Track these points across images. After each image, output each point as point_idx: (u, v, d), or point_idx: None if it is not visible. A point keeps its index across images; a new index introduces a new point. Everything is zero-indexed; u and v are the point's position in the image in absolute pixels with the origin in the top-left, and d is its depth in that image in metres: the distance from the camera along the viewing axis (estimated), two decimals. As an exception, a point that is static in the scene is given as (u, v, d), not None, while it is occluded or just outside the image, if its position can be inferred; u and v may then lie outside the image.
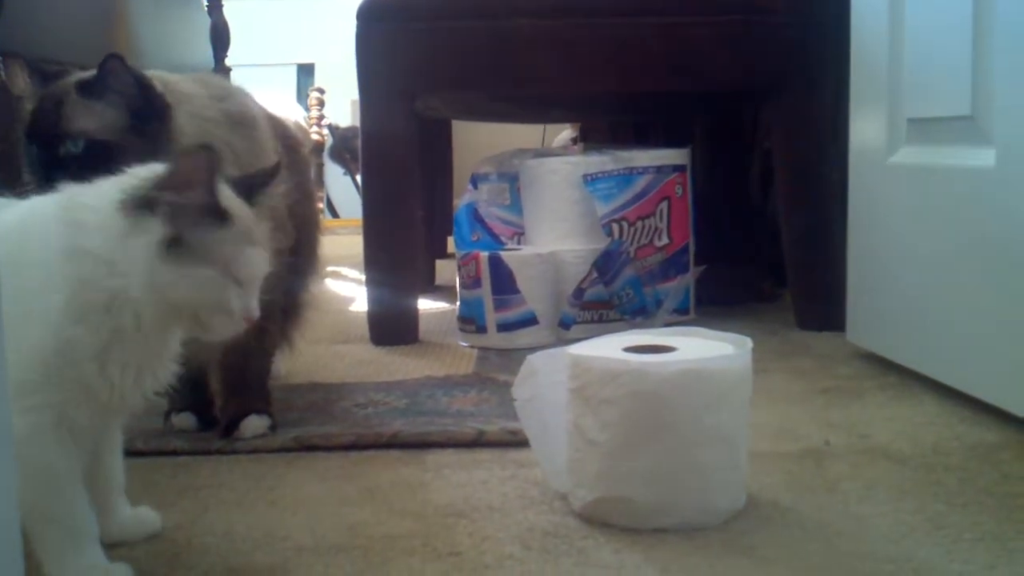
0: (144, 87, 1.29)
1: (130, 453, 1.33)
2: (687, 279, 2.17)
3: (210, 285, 0.89)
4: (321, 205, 4.91)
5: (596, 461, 1.06)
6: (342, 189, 5.42)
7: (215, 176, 0.90)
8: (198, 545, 1.05)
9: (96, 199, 0.90)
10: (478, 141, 3.41)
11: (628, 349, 1.11)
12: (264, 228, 0.97)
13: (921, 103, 1.60)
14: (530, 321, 2.01)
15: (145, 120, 1.29)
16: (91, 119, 1.29)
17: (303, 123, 4.70)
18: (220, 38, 3.13)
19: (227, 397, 1.44)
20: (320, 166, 4.72)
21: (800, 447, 1.33)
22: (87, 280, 0.87)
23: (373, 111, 2.09)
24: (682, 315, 2.16)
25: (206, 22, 3.11)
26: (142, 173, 0.91)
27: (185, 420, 1.43)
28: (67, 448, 0.89)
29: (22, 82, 2.31)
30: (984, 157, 1.41)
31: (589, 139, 3.19)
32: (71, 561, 0.90)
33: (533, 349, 1.20)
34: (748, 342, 1.11)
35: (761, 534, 1.04)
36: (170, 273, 0.87)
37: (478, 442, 1.36)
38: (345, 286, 2.97)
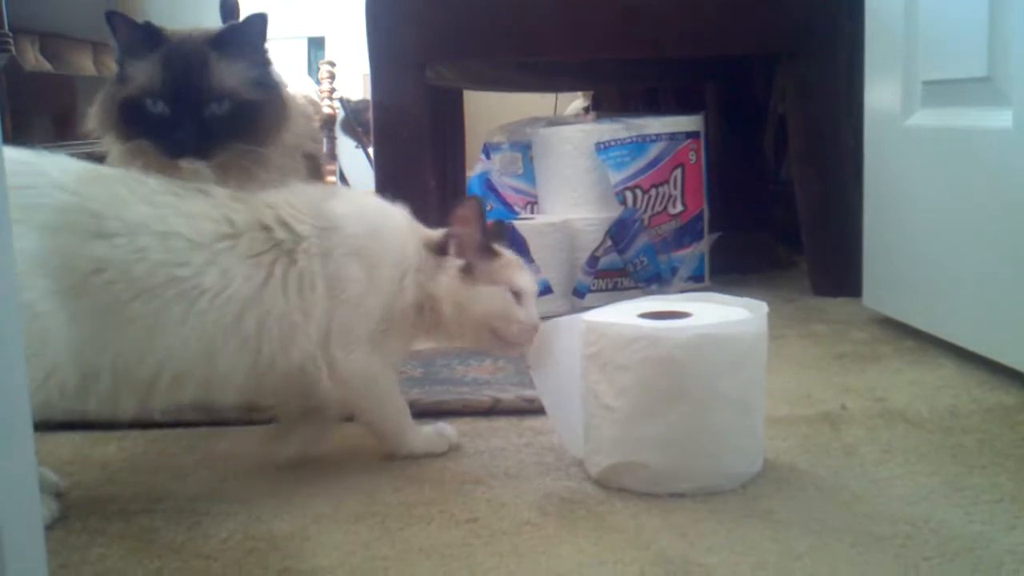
0: (265, 50, 1.37)
1: (148, 425, 1.34)
2: (702, 246, 2.17)
3: (498, 298, 1.18)
4: (333, 179, 4.90)
5: (612, 427, 1.06)
6: (354, 162, 5.41)
7: (483, 217, 1.21)
8: (218, 513, 1.05)
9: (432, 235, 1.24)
10: (490, 111, 3.39)
11: (643, 315, 1.11)
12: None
13: (937, 65, 1.58)
14: (544, 290, 2.01)
15: (265, 83, 1.36)
16: (235, 78, 1.33)
17: (315, 96, 4.69)
18: (230, 12, 3.11)
19: None
20: (332, 139, 4.71)
21: (817, 411, 1.32)
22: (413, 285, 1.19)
23: (384, 82, 2.09)
24: (697, 282, 2.15)
25: (216, -5, 3.09)
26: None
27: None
28: (390, 370, 1.19)
29: (33, 57, 2.31)
30: (1001, 118, 1.40)
31: (601, 107, 3.18)
32: (414, 432, 1.21)
33: (548, 318, 1.20)
34: (764, 307, 1.11)
35: (778, 498, 1.04)
36: (467, 291, 1.18)
37: (494, 410, 1.36)
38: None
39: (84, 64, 2.61)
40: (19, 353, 0.66)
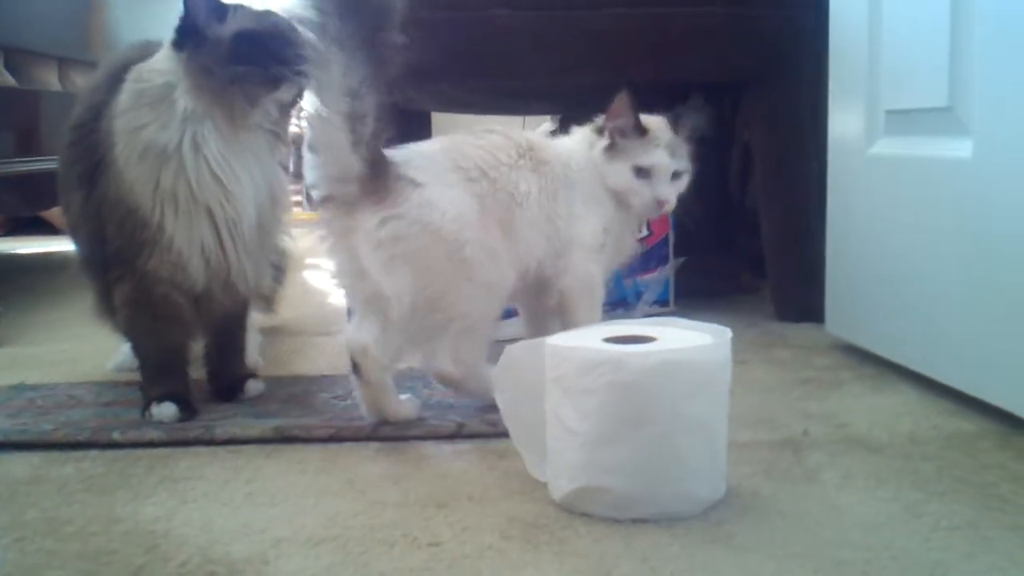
0: None
1: (107, 445, 1.33)
2: (667, 271, 2.18)
3: (622, 175, 1.48)
4: (300, 198, 4.88)
5: (575, 451, 1.06)
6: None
7: (633, 106, 1.47)
8: (176, 536, 1.04)
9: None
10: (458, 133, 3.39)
11: (608, 340, 1.11)
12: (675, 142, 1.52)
13: (899, 94, 1.61)
14: (511, 312, 2.00)
15: None
16: None
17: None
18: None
19: (226, 361, 1.58)
20: (299, 158, 4.68)
21: (779, 437, 1.33)
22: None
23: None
24: (662, 307, 2.16)
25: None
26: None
27: (166, 411, 1.41)
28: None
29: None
30: (961, 148, 1.42)
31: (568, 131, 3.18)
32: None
33: (514, 340, 1.20)
34: (727, 332, 1.11)
35: (740, 523, 1.04)
36: (605, 167, 1.49)
37: (458, 434, 1.36)
38: (323, 279, 2.95)
39: (49, 80, 2.59)
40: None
